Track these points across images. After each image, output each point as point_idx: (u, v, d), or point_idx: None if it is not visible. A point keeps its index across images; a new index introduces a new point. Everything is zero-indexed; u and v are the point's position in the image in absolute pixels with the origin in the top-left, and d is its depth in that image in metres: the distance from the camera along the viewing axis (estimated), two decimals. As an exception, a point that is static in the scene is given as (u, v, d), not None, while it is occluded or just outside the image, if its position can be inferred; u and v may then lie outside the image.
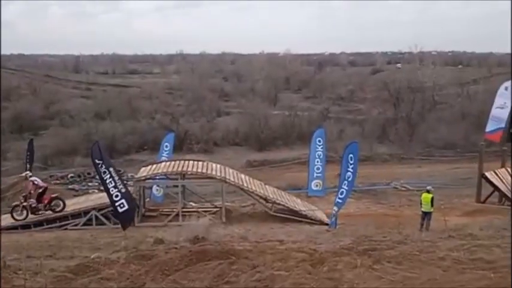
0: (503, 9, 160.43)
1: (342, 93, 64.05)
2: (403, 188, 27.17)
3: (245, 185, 19.24)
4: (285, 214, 18.68)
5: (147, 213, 19.94)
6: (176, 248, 9.15)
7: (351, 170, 15.66)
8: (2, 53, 72.48)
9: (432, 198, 15.95)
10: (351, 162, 15.62)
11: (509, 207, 18.30)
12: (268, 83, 63.34)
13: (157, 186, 21.04)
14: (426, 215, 15.82)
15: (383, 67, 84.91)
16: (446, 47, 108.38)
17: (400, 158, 38.46)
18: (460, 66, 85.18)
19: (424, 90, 50.87)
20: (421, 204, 16.18)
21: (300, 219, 18.34)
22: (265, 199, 19.26)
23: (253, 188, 19.33)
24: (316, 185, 21.69)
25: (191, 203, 21.11)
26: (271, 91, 61.03)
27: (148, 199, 21.09)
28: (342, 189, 16.15)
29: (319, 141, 21.52)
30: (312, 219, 18.35)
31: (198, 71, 73.72)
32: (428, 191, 16.26)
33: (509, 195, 19.92)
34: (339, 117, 53.49)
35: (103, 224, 17.76)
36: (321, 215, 18.87)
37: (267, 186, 20.29)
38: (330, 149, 32.56)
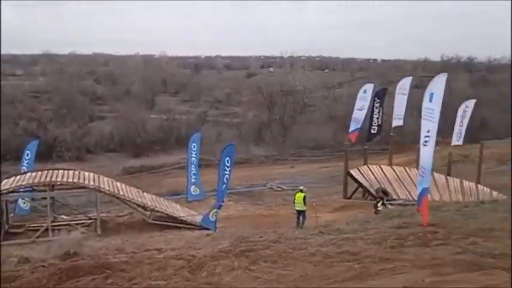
0: (364, 19, 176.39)
1: (219, 97, 65.02)
2: (279, 188, 28.30)
3: (121, 193, 18.53)
4: (164, 221, 18.36)
5: (12, 230, 18.17)
6: (44, 267, 8.47)
7: (228, 172, 15.95)
8: None
9: (304, 197, 16.87)
10: (228, 164, 15.91)
11: (372, 202, 20.01)
12: (144, 86, 61.88)
13: (23, 199, 19.30)
14: (300, 213, 16.69)
15: (257, 71, 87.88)
16: (314, 52, 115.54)
17: (275, 159, 40.08)
18: (326, 71, 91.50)
19: (295, 94, 53.58)
20: (294, 203, 17.02)
21: (180, 225, 18.18)
22: (143, 207, 18.74)
23: (130, 196, 18.70)
24: (195, 190, 21.69)
25: (62, 216, 19.72)
26: (147, 94, 59.71)
27: (12, 214, 19.24)
28: (220, 192, 16.37)
29: (194, 146, 21.55)
30: (192, 225, 18.29)
31: (67, 72, 69.17)
32: (301, 191, 17.17)
33: (372, 191, 21.81)
34: (216, 120, 54.19)
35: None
36: (201, 218, 18.88)
37: (144, 194, 19.76)
38: (209, 152, 32.83)
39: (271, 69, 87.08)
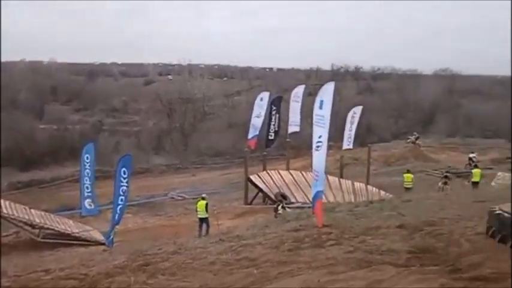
0: (260, 28, 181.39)
1: (116, 105, 62.78)
2: (180, 198, 27.91)
3: (5, 211, 17.00)
4: (55, 239, 17.17)
5: None
6: None
7: (126, 184, 15.29)
8: None
9: (207, 205, 16.82)
10: (124, 176, 15.26)
11: (271, 206, 20.45)
12: (32, 94, 57.65)
13: None
14: (203, 220, 16.60)
15: (155, 78, 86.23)
16: (212, 60, 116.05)
17: (176, 168, 39.50)
18: (225, 79, 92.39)
19: (194, 101, 53.53)
20: (197, 211, 16.88)
21: (74, 242, 17.12)
22: (31, 225, 17.36)
23: (16, 213, 17.23)
24: (90, 204, 20.53)
25: None
26: (36, 103, 55.72)
27: None
28: (118, 205, 15.63)
29: (87, 157, 20.37)
30: (87, 241, 17.31)
31: None
32: (203, 198, 17.10)
33: (271, 195, 22.33)
34: (113, 129, 52.20)
35: None
36: (97, 235, 17.98)
37: (32, 210, 18.35)
38: (106, 163, 31.43)
39: (170, 76, 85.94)
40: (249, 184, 23.35)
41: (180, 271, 7.86)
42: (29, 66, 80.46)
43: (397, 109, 63.82)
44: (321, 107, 9.90)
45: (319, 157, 9.96)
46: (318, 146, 9.91)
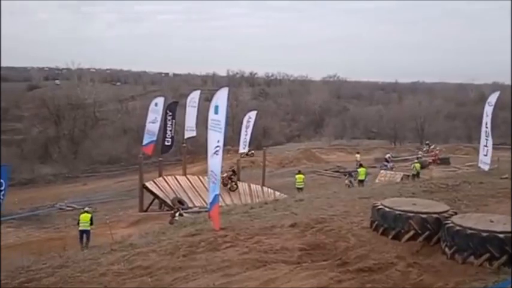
0: (147, 32, 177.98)
1: (-6, 112, 57.32)
2: (69, 208, 26.31)
3: None
4: None
5: None
6: None
7: (1, 197, 13.95)
8: None
9: (91, 217, 16.18)
10: (1, 188, 13.92)
11: (168, 213, 20.07)
12: None
13: None
14: (84, 232, 15.94)
15: (40, 83, 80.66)
16: (103, 65, 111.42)
17: (65, 177, 37.28)
18: (118, 84, 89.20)
19: (85, 107, 50.98)
20: (78, 224, 16.17)
21: None
22: None
23: None
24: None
25: None
26: None
27: None
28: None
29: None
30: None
31: None
32: (86, 212, 16.43)
33: (168, 201, 21.90)
34: (-8, 138, 47.60)
35: None
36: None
37: None
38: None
39: (57, 81, 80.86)
40: (145, 191, 22.70)
41: (67, 285, 7.33)
42: None
43: (290, 113, 66.47)
44: (216, 112, 9.91)
45: (217, 161, 9.96)
46: (216, 151, 9.90)
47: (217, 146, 9.93)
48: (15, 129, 52.23)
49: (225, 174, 23.58)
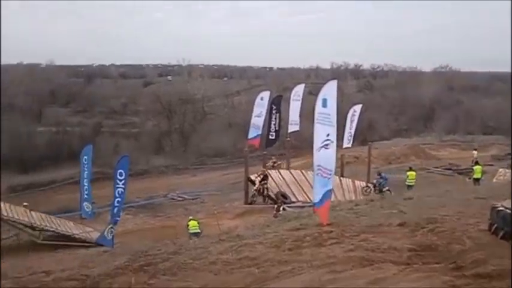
0: (257, 29, 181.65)
1: (115, 107, 62.58)
2: (180, 198, 27.87)
3: (5, 213, 16.94)
4: (56, 241, 17.12)
5: None
6: None
7: (122, 186, 15.24)
8: None
9: (198, 222, 16.97)
10: (121, 178, 15.20)
11: (272, 206, 20.42)
12: (30, 97, 57.50)
13: None
14: (195, 234, 16.37)
15: (154, 80, 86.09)
16: (211, 61, 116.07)
17: (176, 168, 39.45)
18: (225, 79, 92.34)
19: (194, 102, 53.41)
20: (188, 227, 16.81)
21: (74, 243, 17.06)
22: (32, 227, 17.29)
23: (16, 216, 17.17)
24: (87, 206, 20.52)
25: None
26: (34, 106, 55.56)
27: None
28: (114, 206, 15.59)
29: (86, 159, 20.36)
30: (87, 242, 17.26)
31: None
32: (193, 219, 17.30)
33: (271, 195, 22.25)
34: (113, 131, 52.12)
35: None
36: (97, 236, 17.88)
37: (32, 213, 18.28)
38: (105, 165, 31.40)
39: (169, 77, 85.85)
40: (250, 184, 23.28)
41: (181, 271, 7.79)
42: (26, 69, 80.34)
43: (397, 106, 63.76)
44: (324, 105, 9.82)
45: (329, 155, 9.86)
46: (326, 144, 9.81)
47: (327, 140, 9.81)
48: (133, 122, 56.54)
49: (256, 184, 22.06)
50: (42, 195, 29.70)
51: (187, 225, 16.86)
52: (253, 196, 22.18)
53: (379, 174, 23.35)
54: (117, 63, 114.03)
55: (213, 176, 36.10)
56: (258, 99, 25.04)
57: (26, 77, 69.54)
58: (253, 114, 24.87)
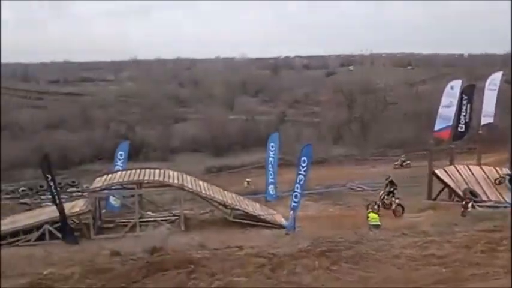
0: (449, 10, 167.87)
1: (298, 97, 64.88)
2: (359, 189, 27.73)
3: (203, 191, 19.11)
4: (244, 219, 18.68)
5: (103, 225, 19.45)
6: (133, 260, 8.96)
7: (303, 173, 15.86)
8: None
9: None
10: (303, 165, 15.83)
11: (459, 203, 18.98)
12: (225, 88, 63.38)
13: (114, 196, 20.53)
14: (376, 227, 15.89)
15: (336, 70, 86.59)
16: (394, 49, 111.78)
17: (354, 158, 39.26)
18: (409, 67, 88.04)
19: (375, 91, 52.23)
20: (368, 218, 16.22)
21: (259, 223, 18.39)
22: (224, 205, 19.19)
23: (212, 194, 19.24)
24: (273, 190, 21.86)
25: (149, 213, 20.73)
26: (228, 96, 61.08)
27: (104, 210, 20.57)
28: (295, 193, 16.33)
29: (272, 146, 21.66)
30: (271, 223, 18.44)
31: (153, 77, 72.72)
32: (372, 211, 16.50)
33: (459, 192, 20.70)
34: (295, 120, 54.19)
35: (57, 238, 17.16)
36: (280, 219, 18.99)
37: (225, 192, 20.23)
38: (288, 152, 32.90)
39: (351, 67, 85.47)
40: (434, 179, 21.99)
41: (363, 261, 7.87)
42: (223, 62, 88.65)
43: None
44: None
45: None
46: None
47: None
48: (315, 112, 57.89)
49: (381, 192, 19.67)
50: (232, 177, 32.56)
51: (367, 217, 16.68)
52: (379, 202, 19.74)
53: None
54: (301, 54, 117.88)
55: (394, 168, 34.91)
56: (447, 89, 23.32)
57: (222, 69, 76.90)
58: (442, 104, 23.24)
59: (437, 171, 21.86)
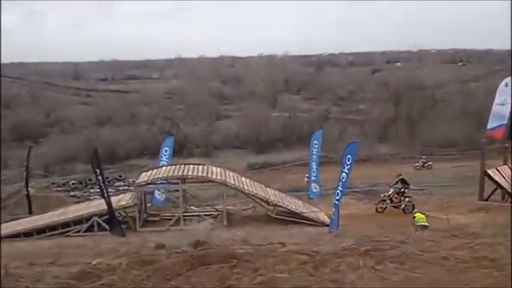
0: (501, 6, 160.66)
1: (342, 94, 64.03)
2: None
3: (246, 187, 19.18)
4: (286, 216, 18.62)
5: (149, 218, 19.89)
6: (178, 253, 9.08)
7: (347, 171, 15.56)
8: (2, 61, 72.25)
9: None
10: (348, 163, 15.52)
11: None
12: (267, 86, 63.40)
13: (159, 190, 20.96)
14: (424, 227, 15.44)
15: (382, 66, 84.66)
16: (445, 45, 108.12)
17: (401, 157, 38.39)
18: (460, 64, 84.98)
19: (424, 89, 50.85)
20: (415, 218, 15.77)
21: (302, 221, 18.27)
22: (267, 202, 19.18)
23: (254, 190, 19.27)
24: (315, 187, 21.66)
25: (192, 207, 21.04)
26: (270, 93, 61.09)
27: (149, 204, 21.04)
28: (337, 191, 16.07)
29: (315, 144, 21.43)
30: (313, 221, 18.28)
31: (197, 75, 73.75)
32: (419, 212, 16.17)
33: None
34: (339, 117, 53.57)
35: (105, 230, 17.71)
36: (323, 217, 18.79)
37: (267, 189, 20.22)
38: (331, 150, 32.58)
39: (398, 64, 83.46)
40: (486, 179, 21.15)
41: (409, 261, 7.63)
42: (265, 60, 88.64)
43: None
44: None
45: None
46: None
47: None
48: (359, 110, 56.95)
49: (391, 191, 19.77)
50: (274, 174, 32.54)
51: (414, 217, 16.20)
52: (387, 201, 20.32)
53: None
54: (346, 51, 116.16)
55: (442, 167, 33.89)
56: (501, 86, 22.32)
57: (265, 66, 76.93)
58: (495, 102, 22.30)
59: (489, 171, 21.02)
